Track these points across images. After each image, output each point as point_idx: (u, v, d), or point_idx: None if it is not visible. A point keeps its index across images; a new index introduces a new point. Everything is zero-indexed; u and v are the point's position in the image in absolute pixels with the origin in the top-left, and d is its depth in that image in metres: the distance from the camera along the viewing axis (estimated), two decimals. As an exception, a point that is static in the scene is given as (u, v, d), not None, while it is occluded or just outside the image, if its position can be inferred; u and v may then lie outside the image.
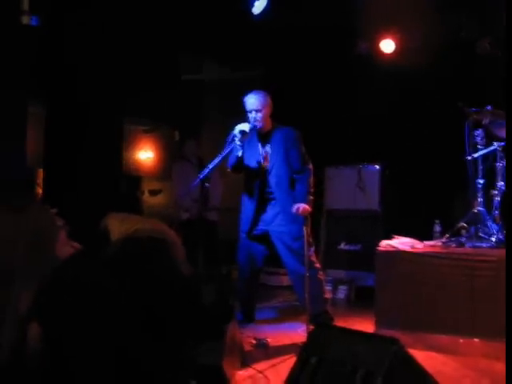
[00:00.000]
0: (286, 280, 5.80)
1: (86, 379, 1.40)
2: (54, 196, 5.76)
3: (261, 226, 4.53)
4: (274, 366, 3.51)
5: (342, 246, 6.22)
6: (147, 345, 1.44)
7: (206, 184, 4.58)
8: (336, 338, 2.35)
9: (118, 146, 6.44)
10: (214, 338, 1.63)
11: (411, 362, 2.21)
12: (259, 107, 4.45)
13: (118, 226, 1.66)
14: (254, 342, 4.02)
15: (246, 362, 3.49)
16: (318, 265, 4.56)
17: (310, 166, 4.51)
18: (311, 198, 4.45)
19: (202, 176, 4.41)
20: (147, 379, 1.47)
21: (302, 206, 4.35)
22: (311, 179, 4.51)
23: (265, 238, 4.56)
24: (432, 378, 2.19)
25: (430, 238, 4.97)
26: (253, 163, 4.53)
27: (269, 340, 4.05)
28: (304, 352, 2.38)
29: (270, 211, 4.51)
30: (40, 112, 5.81)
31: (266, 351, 3.89)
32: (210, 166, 4.41)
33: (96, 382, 1.42)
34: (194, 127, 7.92)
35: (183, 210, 6.02)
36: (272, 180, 4.47)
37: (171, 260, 1.60)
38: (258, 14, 5.79)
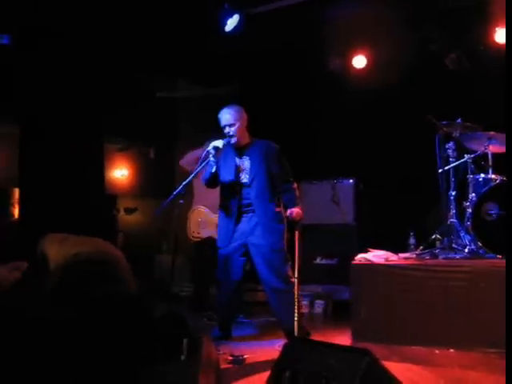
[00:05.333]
0: (261, 296, 5.78)
1: None
2: (29, 215, 5.70)
3: (239, 239, 4.51)
4: (250, 382, 3.48)
5: (318, 260, 6.23)
6: (98, 370, 1.39)
7: (181, 201, 4.58)
8: (309, 351, 2.34)
9: (94, 165, 6.40)
10: (168, 354, 1.57)
11: (384, 373, 2.20)
12: (233, 121, 4.47)
13: (56, 249, 1.58)
14: (230, 358, 3.98)
15: (222, 380, 3.45)
16: (293, 279, 4.55)
17: (294, 181, 4.55)
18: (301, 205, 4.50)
19: (175, 193, 4.42)
20: None
21: (296, 210, 4.38)
22: (297, 191, 4.55)
23: (243, 251, 4.54)
24: (405, 389, 2.19)
25: (405, 251, 5.01)
26: (229, 177, 4.54)
27: (246, 356, 4.00)
28: (277, 366, 2.36)
29: (248, 223, 4.50)
30: (14, 131, 5.76)
31: (242, 368, 3.85)
32: (184, 183, 4.42)
33: None
34: (169, 144, 7.91)
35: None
36: (251, 192, 4.47)
37: (114, 281, 1.55)
38: (231, 31, 5.83)
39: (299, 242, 4.42)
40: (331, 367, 2.15)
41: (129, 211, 8.09)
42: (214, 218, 5.56)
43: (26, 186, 5.79)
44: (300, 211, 4.44)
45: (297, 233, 4.39)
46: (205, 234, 5.74)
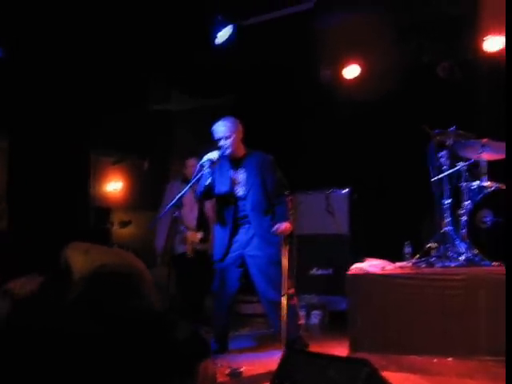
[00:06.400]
0: (259, 308, 5.76)
1: None
2: (19, 231, 5.67)
3: (235, 251, 4.50)
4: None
5: (314, 270, 6.23)
6: None
7: (175, 213, 4.58)
8: (308, 362, 2.32)
9: (85, 179, 6.40)
10: (187, 375, 1.52)
11: (384, 383, 2.19)
12: (228, 134, 4.47)
13: (81, 259, 1.52)
14: (227, 371, 3.96)
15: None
16: (291, 290, 4.54)
17: (288, 192, 4.53)
18: (291, 219, 4.47)
19: (169, 206, 4.42)
20: None
21: (282, 226, 4.36)
22: (290, 203, 4.53)
23: (240, 263, 4.53)
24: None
25: (401, 260, 5.01)
26: (224, 189, 4.53)
27: (243, 369, 3.98)
28: (276, 378, 2.35)
29: (245, 235, 4.49)
30: (3, 146, 5.74)
31: (240, 381, 3.83)
32: (178, 196, 4.42)
33: None
34: (163, 157, 7.91)
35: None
36: (247, 204, 4.47)
37: (139, 296, 1.51)
38: (223, 43, 5.85)
39: (288, 256, 4.39)
40: (330, 379, 2.14)
41: (123, 224, 8.06)
42: (189, 234, 5.59)
43: (14, 201, 5.77)
44: (288, 226, 4.40)
45: (285, 247, 4.35)
46: (179, 250, 5.76)
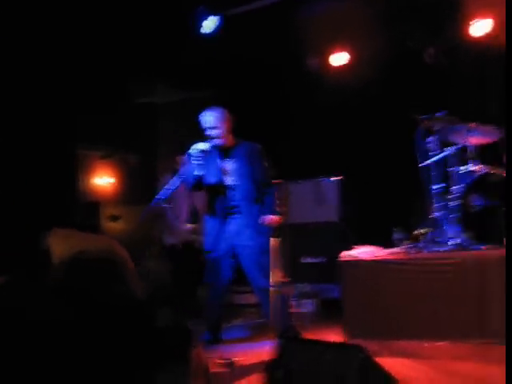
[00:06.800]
0: (251, 298, 5.77)
1: None
2: (5, 227, 5.62)
3: (226, 241, 4.50)
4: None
5: (306, 259, 6.23)
6: (98, 376, 1.35)
7: (165, 205, 4.56)
8: (302, 349, 2.33)
9: (73, 173, 6.36)
10: (170, 362, 1.52)
11: (379, 369, 2.20)
12: (216, 124, 4.45)
13: (61, 244, 1.52)
14: (220, 362, 3.96)
15: None
16: (282, 279, 4.54)
17: (276, 180, 4.53)
18: (280, 209, 4.47)
19: (160, 198, 4.39)
20: None
21: (270, 218, 4.36)
22: (278, 192, 4.52)
23: (231, 253, 4.53)
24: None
25: (391, 246, 5.03)
26: (213, 180, 4.52)
27: (236, 359, 3.98)
28: (271, 366, 2.35)
29: (235, 225, 4.48)
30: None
31: (232, 371, 3.83)
32: (168, 188, 4.39)
33: None
34: (150, 150, 7.87)
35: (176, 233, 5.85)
36: (237, 194, 4.46)
37: (121, 283, 1.50)
38: (208, 34, 5.82)
39: (278, 246, 4.38)
40: (326, 364, 2.15)
41: (112, 219, 8.02)
42: (179, 226, 5.58)
43: (0, 196, 5.72)
44: (274, 219, 4.41)
45: (272, 240, 4.35)
46: (168, 241, 5.75)
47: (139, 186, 7.66)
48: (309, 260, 6.22)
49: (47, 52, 5.58)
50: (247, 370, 3.76)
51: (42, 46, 5.51)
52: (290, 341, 2.44)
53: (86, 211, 7.47)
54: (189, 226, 5.73)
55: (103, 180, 8.21)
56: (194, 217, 5.80)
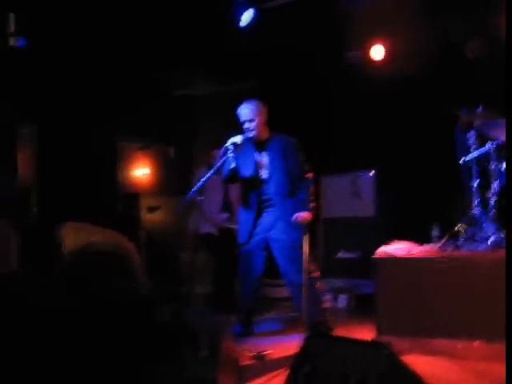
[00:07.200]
0: (285, 292, 5.77)
1: None
2: (48, 218, 5.75)
3: (260, 234, 4.51)
4: (271, 379, 3.46)
5: (341, 254, 6.19)
6: (94, 369, 1.38)
7: (200, 197, 4.58)
8: (328, 346, 2.32)
9: (112, 165, 6.46)
10: (169, 359, 1.55)
11: (404, 367, 2.17)
12: (252, 117, 4.46)
13: (71, 237, 1.58)
14: (251, 355, 3.97)
15: (243, 377, 3.44)
16: (316, 274, 4.52)
17: (311, 175, 4.50)
18: (312, 205, 4.44)
19: (194, 189, 4.42)
20: None
21: (302, 215, 4.34)
22: (312, 187, 4.50)
23: (264, 246, 4.53)
24: (425, 383, 2.15)
25: (428, 243, 4.94)
26: (249, 173, 4.53)
27: (267, 353, 3.99)
28: (297, 361, 2.35)
29: (269, 218, 4.50)
30: (32, 133, 5.81)
31: (263, 364, 3.84)
32: (203, 180, 4.42)
33: None
34: (188, 142, 7.92)
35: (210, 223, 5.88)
36: (271, 188, 4.47)
37: (124, 276, 1.53)
38: (246, 26, 5.81)
39: (309, 242, 4.35)
40: (350, 362, 2.13)
41: (151, 210, 8.12)
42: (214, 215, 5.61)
43: (42, 188, 5.85)
44: (308, 216, 4.37)
45: (305, 237, 4.32)
46: (204, 229, 5.77)
47: (176, 178, 7.72)
48: (344, 255, 6.18)
49: (89, 44, 5.67)
50: (276, 364, 3.75)
51: (83, 38, 5.60)
52: (316, 337, 2.43)
53: (126, 202, 7.58)
54: (224, 214, 5.75)
55: (141, 171, 8.33)
56: (228, 208, 5.83)
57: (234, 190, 5.67)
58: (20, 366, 1.34)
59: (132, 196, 7.89)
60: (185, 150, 7.92)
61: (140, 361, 1.46)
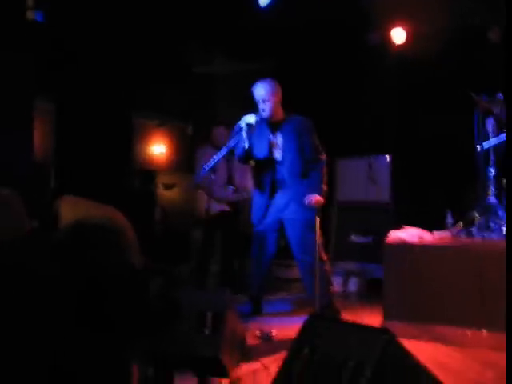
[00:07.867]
0: (296, 272, 5.78)
1: (14, 375, 1.38)
2: (65, 193, 5.80)
3: (273, 214, 4.51)
4: (277, 359, 3.48)
5: (353, 237, 6.17)
6: (83, 337, 1.41)
7: (212, 176, 4.58)
8: (328, 328, 2.32)
9: (130, 141, 6.47)
10: (156, 331, 1.59)
11: (404, 352, 2.16)
12: (266, 97, 4.43)
13: (69, 210, 1.62)
14: (258, 334, 4.00)
15: (249, 355, 3.46)
16: (325, 257, 4.52)
17: (324, 157, 4.49)
18: (325, 188, 4.44)
19: (208, 167, 4.41)
20: (85, 373, 1.44)
21: (315, 197, 4.33)
22: (325, 169, 4.48)
23: (277, 226, 4.54)
24: (424, 368, 2.14)
25: (442, 229, 4.89)
26: (262, 153, 4.52)
27: (274, 332, 4.02)
28: (296, 343, 2.35)
29: (282, 199, 4.49)
30: (49, 108, 5.85)
31: (270, 344, 3.87)
32: (216, 158, 4.41)
33: (25, 378, 1.40)
34: (206, 120, 7.91)
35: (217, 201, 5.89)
36: (284, 169, 4.46)
37: (116, 250, 1.56)
38: (266, 6, 5.75)
39: (319, 225, 4.35)
40: (349, 346, 2.13)
41: (167, 187, 8.15)
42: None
43: (60, 163, 5.90)
44: (320, 198, 4.36)
45: (317, 219, 4.32)
46: (215, 208, 5.75)
47: (193, 156, 7.74)
48: (357, 239, 6.16)
49: (108, 22, 5.66)
50: (284, 344, 3.76)
51: (103, 14, 5.59)
52: (317, 319, 2.43)
53: (142, 179, 7.63)
54: (229, 188, 5.74)
55: (158, 148, 8.35)
56: (231, 182, 5.79)
57: (239, 170, 5.65)
58: (15, 330, 1.39)
59: (149, 173, 7.93)
60: (203, 128, 7.92)
61: (128, 333, 1.49)
